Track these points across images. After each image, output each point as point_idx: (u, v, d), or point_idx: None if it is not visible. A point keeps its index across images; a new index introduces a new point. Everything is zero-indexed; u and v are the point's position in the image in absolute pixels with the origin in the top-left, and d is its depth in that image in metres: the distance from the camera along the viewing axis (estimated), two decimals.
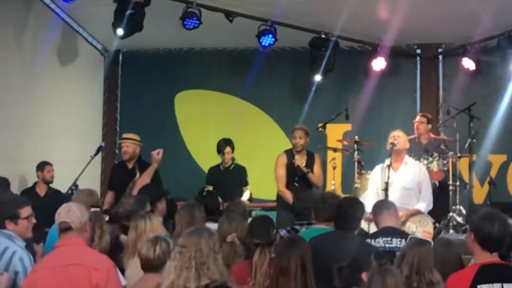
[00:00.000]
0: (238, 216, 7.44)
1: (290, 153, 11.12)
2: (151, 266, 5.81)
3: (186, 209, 7.55)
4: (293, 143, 11.10)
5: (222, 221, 7.29)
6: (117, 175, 10.95)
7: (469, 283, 5.15)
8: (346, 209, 6.95)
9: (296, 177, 10.95)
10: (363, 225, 8.96)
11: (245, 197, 11.65)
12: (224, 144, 11.97)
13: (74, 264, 5.33)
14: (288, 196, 10.76)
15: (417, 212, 9.83)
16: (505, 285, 5.12)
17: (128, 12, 11.47)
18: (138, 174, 10.27)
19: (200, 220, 7.37)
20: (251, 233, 6.61)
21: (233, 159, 11.88)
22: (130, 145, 10.89)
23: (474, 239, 5.32)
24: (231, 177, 11.77)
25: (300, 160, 11.03)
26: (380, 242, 7.08)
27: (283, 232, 7.74)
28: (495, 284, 5.10)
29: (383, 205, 7.56)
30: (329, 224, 7.34)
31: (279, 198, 11.04)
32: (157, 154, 10.28)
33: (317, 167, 11.10)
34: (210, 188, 11.54)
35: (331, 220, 7.39)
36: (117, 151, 14.45)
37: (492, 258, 5.27)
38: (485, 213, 5.45)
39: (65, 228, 5.49)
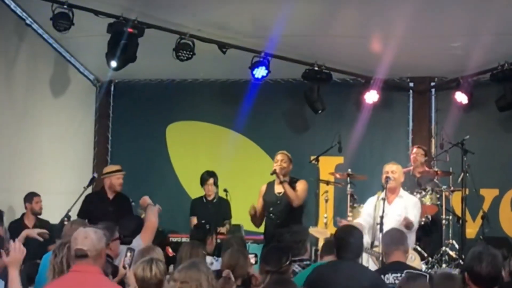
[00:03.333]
0: (241, 250, 7.40)
1: (271, 183, 10.91)
2: (149, 286, 5.72)
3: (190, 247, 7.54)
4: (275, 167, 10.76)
5: (225, 254, 7.26)
6: (98, 206, 10.80)
7: None
8: (347, 239, 6.86)
9: (271, 207, 10.72)
10: None
11: (224, 229, 11.62)
12: (207, 176, 11.96)
13: None
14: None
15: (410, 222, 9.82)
16: None
17: (122, 42, 11.46)
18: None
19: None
20: (263, 261, 6.56)
21: (216, 192, 11.81)
22: (123, 177, 10.94)
23: (468, 279, 5.33)
24: (214, 210, 11.70)
25: (280, 187, 10.74)
26: (389, 278, 6.93)
27: (296, 268, 7.66)
28: None
29: (397, 238, 7.42)
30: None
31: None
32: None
33: (297, 187, 10.68)
34: (195, 219, 11.49)
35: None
36: None
37: None
38: (474, 253, 5.47)
39: (81, 255, 5.38)
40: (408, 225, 9.88)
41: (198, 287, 4.71)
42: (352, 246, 6.79)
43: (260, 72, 12.47)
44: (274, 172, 10.63)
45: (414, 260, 9.75)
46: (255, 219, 10.83)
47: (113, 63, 11.81)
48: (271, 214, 10.71)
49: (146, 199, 8.86)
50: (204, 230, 8.77)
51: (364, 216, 10.36)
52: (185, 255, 7.28)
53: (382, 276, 6.95)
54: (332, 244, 7.31)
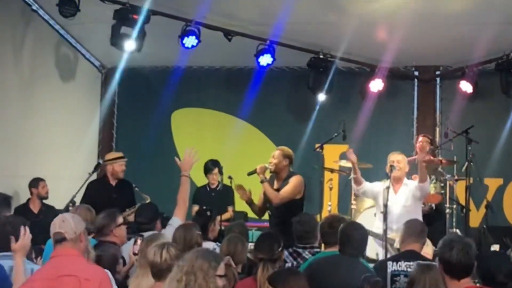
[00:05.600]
0: (239, 237, 7.40)
1: (271, 179, 10.34)
2: (159, 271, 5.76)
3: (183, 229, 7.52)
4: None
5: (223, 241, 7.29)
6: (101, 193, 10.83)
7: None
8: (351, 234, 6.89)
9: (268, 204, 10.29)
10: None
11: (226, 215, 11.61)
12: (212, 166, 11.95)
13: (66, 275, 5.27)
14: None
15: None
16: None
17: (138, 27, 11.51)
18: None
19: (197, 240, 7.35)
20: (256, 248, 6.59)
21: (221, 179, 11.81)
22: (125, 164, 10.99)
23: (440, 267, 5.28)
24: (218, 198, 11.67)
25: (277, 183, 10.27)
26: (402, 266, 6.96)
27: (285, 254, 7.69)
28: None
29: (416, 231, 7.43)
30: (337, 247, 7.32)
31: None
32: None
33: (288, 186, 10.12)
34: (196, 207, 11.49)
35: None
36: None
37: (462, 285, 5.19)
38: (445, 241, 5.42)
39: (60, 239, 5.43)
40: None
41: (190, 268, 4.75)
42: (356, 242, 6.84)
43: (266, 59, 12.47)
44: (254, 171, 10.21)
45: (426, 246, 9.76)
46: (253, 208, 10.47)
47: (131, 44, 11.81)
48: (269, 211, 10.42)
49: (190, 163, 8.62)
50: (205, 216, 8.73)
51: (369, 185, 10.31)
52: (179, 238, 7.28)
53: (395, 263, 6.98)
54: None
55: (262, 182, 10.17)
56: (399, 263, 7.00)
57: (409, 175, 10.74)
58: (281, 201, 10.07)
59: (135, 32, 11.63)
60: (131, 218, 9.70)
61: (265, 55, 12.44)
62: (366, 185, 10.21)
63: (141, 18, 11.50)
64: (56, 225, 5.49)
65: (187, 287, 4.70)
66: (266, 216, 10.82)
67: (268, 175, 10.29)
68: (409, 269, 6.83)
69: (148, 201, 10.30)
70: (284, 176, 10.23)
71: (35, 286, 5.34)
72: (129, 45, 11.81)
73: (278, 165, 10.25)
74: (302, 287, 5.55)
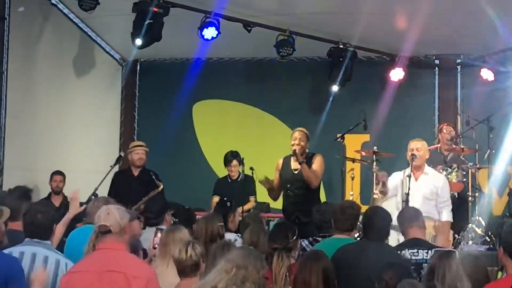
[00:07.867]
0: (261, 227, 7.44)
1: (287, 158, 10.40)
2: (184, 268, 5.81)
3: (204, 221, 7.55)
4: (291, 145, 10.22)
5: (245, 233, 7.32)
6: (122, 184, 10.93)
7: None
8: (373, 220, 6.90)
9: (288, 184, 10.25)
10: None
11: (249, 205, 11.61)
12: (231, 157, 11.95)
13: (115, 271, 5.27)
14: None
15: (448, 225, 9.78)
16: None
17: (147, 22, 11.48)
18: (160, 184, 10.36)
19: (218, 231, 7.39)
20: (270, 239, 6.60)
21: (242, 170, 11.78)
22: (144, 152, 11.06)
23: (504, 252, 5.42)
24: (238, 189, 11.66)
25: (296, 163, 10.23)
26: (406, 254, 6.99)
27: (305, 243, 7.71)
28: None
29: (410, 215, 7.45)
30: (349, 234, 7.30)
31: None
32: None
33: (315, 165, 10.15)
34: (217, 198, 11.50)
35: (350, 230, 7.37)
36: None
37: None
38: (510, 226, 5.50)
39: (104, 232, 5.42)
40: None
41: (241, 262, 4.81)
42: (378, 227, 6.85)
43: (210, 32, 12.05)
44: (294, 154, 10.09)
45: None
46: (271, 193, 10.45)
47: (138, 41, 11.79)
48: (288, 191, 10.29)
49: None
50: (225, 207, 8.73)
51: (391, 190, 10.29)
52: (200, 230, 7.32)
53: (399, 252, 6.99)
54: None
55: (301, 163, 10.06)
56: (403, 252, 7.02)
57: (430, 163, 10.71)
58: (319, 182, 10.18)
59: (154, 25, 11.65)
60: None
61: (209, 28, 12.01)
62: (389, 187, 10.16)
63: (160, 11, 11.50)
64: (102, 218, 5.46)
65: (233, 278, 4.75)
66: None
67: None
68: (413, 257, 6.87)
69: (161, 188, 10.31)
70: (305, 161, 10.21)
71: (83, 277, 5.33)
72: (149, 38, 11.84)
73: (304, 148, 10.24)
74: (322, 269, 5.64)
